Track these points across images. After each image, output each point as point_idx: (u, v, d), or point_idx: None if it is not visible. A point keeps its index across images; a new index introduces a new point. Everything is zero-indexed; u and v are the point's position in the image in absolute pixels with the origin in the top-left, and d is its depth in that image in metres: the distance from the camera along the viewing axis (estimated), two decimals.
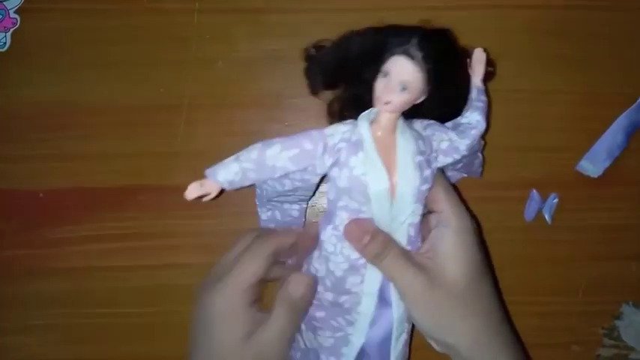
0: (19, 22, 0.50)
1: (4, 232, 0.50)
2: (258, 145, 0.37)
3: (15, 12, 0.50)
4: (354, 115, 0.37)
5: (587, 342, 0.51)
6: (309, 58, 0.40)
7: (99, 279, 0.50)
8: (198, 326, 0.39)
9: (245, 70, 0.49)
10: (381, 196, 0.36)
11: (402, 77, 0.35)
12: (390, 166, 0.36)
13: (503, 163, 0.50)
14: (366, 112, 0.37)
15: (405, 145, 0.36)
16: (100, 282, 0.50)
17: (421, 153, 0.37)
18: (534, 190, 0.50)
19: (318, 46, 0.40)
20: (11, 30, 0.50)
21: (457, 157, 0.39)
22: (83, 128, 0.49)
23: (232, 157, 0.37)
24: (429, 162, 0.37)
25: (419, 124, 0.39)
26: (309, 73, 0.40)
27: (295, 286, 0.39)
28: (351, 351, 0.40)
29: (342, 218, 0.37)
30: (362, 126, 0.36)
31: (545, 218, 0.50)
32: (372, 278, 0.39)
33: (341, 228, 0.37)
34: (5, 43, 0.49)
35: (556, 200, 0.50)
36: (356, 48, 0.37)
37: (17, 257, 0.50)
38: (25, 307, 0.50)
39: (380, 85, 0.35)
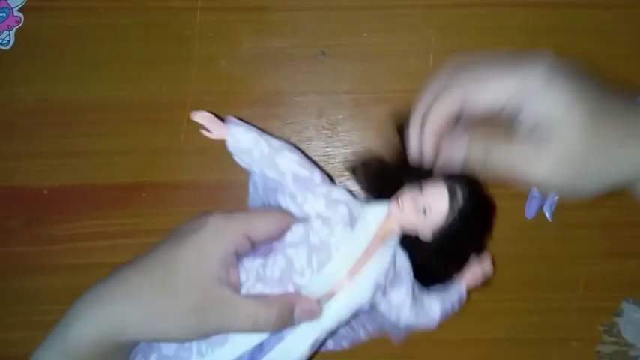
0: (22, 21, 0.50)
1: (9, 229, 0.50)
2: (283, 143, 0.37)
3: (19, 10, 0.50)
4: (366, 192, 0.38)
5: (586, 338, 0.51)
6: (362, 163, 0.39)
7: (102, 275, 0.50)
8: (181, 229, 0.37)
9: (247, 68, 0.50)
10: (326, 280, 0.35)
11: (429, 201, 0.35)
12: (355, 268, 0.36)
13: None
14: (381, 205, 0.37)
15: (379, 262, 0.36)
16: None
17: (386, 277, 0.36)
18: (535, 188, 0.50)
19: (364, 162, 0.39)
20: (15, 28, 0.50)
21: (390, 319, 0.39)
22: (87, 126, 0.50)
23: (258, 131, 0.37)
24: (383, 292, 0.37)
25: (401, 260, 0.38)
26: (355, 174, 0.39)
27: (300, 311, 0.36)
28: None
29: (282, 256, 0.36)
30: (369, 214, 0.36)
31: (545, 216, 0.50)
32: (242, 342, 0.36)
33: (268, 272, 0.36)
34: (9, 41, 0.50)
35: (557, 198, 0.50)
36: (407, 164, 0.37)
37: (22, 253, 0.50)
38: (30, 303, 0.50)
39: (408, 191, 0.36)
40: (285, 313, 0.35)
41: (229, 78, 0.49)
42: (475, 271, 0.42)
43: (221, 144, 0.47)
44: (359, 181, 0.39)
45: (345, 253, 0.35)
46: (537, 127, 0.33)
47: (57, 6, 0.50)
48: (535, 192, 0.50)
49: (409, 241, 0.37)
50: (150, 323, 0.34)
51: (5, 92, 0.50)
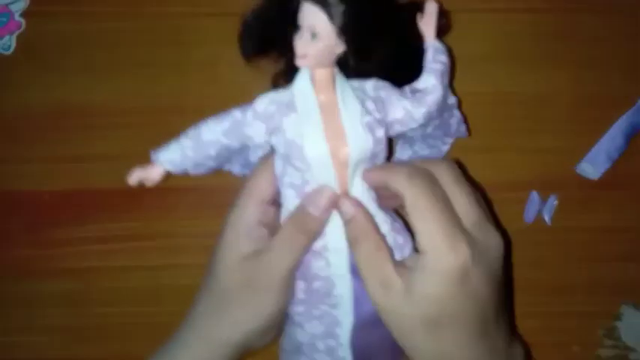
0: (24, 26, 0.50)
1: (8, 233, 0.50)
2: (196, 125, 0.36)
3: (20, 15, 0.50)
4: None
5: (586, 342, 0.51)
6: (243, 21, 0.37)
7: (103, 279, 0.50)
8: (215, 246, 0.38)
9: (248, 73, 0.50)
10: (322, 162, 0.33)
11: (308, 23, 0.32)
12: (334, 130, 0.33)
13: (503, 165, 0.50)
14: (300, 73, 0.34)
15: (348, 106, 0.33)
16: (104, 282, 0.50)
17: (369, 113, 0.34)
18: (534, 192, 0.50)
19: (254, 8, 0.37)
20: (16, 33, 0.50)
21: (414, 125, 0.36)
22: (88, 130, 0.50)
23: (175, 139, 0.36)
24: (380, 122, 0.34)
25: (370, 84, 0.35)
26: (240, 36, 0.37)
27: (314, 206, 0.34)
28: (344, 331, 0.37)
29: (289, 196, 0.35)
30: (295, 85, 0.34)
31: (544, 219, 0.50)
32: (337, 260, 0.36)
33: (290, 208, 0.35)
34: (10, 46, 0.50)
35: (556, 202, 0.50)
36: (273, 6, 0.35)
37: (22, 257, 0.50)
38: (29, 307, 0.50)
39: (296, 40, 0.33)
40: (302, 212, 0.34)
41: (229, 83, 0.50)
42: (425, 22, 0.37)
43: None
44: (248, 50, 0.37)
45: (309, 132, 0.33)
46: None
47: (58, 11, 0.50)
48: (534, 196, 0.50)
49: (346, 67, 0.34)
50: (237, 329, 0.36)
51: (6, 97, 0.50)
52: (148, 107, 0.50)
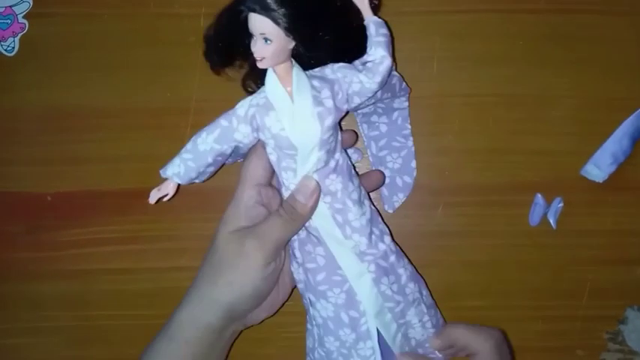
0: (27, 27, 0.50)
1: (11, 235, 0.50)
2: (192, 138, 0.40)
3: (23, 17, 0.50)
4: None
5: (591, 346, 0.51)
6: (205, 38, 0.42)
7: (105, 281, 0.50)
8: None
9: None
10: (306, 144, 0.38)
11: (258, 31, 0.36)
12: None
13: (507, 167, 0.50)
14: (267, 74, 0.38)
15: (301, 96, 0.37)
16: (106, 284, 0.50)
17: (320, 103, 0.38)
18: (539, 195, 0.50)
19: (211, 26, 0.41)
20: (20, 35, 0.50)
21: (370, 94, 0.40)
22: (91, 132, 0.50)
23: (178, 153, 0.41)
24: (330, 110, 0.38)
25: (329, 69, 0.40)
26: (205, 53, 0.42)
27: (301, 195, 0.39)
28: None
29: (288, 178, 0.40)
30: (267, 87, 0.38)
31: (550, 223, 0.50)
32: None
33: (291, 187, 0.40)
34: (14, 47, 0.50)
35: (561, 205, 0.50)
36: (227, 21, 0.40)
37: (25, 259, 0.50)
38: (32, 309, 0.51)
39: (252, 46, 0.36)
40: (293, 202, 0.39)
41: (232, 84, 0.49)
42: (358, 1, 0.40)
43: None
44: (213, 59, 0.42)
45: (288, 123, 0.38)
46: None
47: (61, 12, 0.50)
48: (539, 199, 0.50)
49: (305, 61, 0.39)
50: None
51: (9, 98, 0.50)
52: (150, 109, 0.50)
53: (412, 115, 0.48)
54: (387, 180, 0.49)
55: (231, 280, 0.40)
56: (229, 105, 0.50)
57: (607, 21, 0.50)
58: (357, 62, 0.40)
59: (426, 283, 0.45)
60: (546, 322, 0.51)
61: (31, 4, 0.50)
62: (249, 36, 0.36)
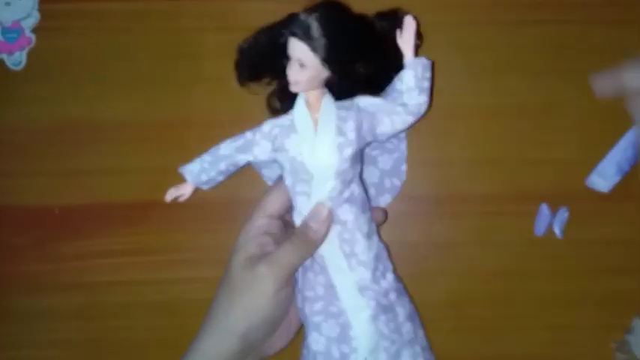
0: (34, 41, 0.51)
1: (19, 247, 0.51)
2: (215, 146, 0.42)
3: (31, 31, 0.51)
4: (291, 106, 0.40)
5: (598, 356, 0.51)
6: (239, 49, 0.43)
7: (112, 293, 0.51)
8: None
9: (257, 87, 0.50)
10: (322, 172, 0.39)
11: (296, 55, 0.37)
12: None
13: (513, 177, 0.50)
14: (298, 98, 0.39)
15: (324, 126, 0.38)
16: (114, 296, 0.51)
17: (342, 134, 0.38)
18: (544, 205, 0.50)
19: (248, 39, 0.42)
20: (27, 49, 0.51)
21: (396, 133, 0.41)
22: (98, 144, 0.50)
23: (198, 155, 0.42)
24: (352, 142, 0.39)
25: (361, 101, 0.40)
26: (237, 64, 0.43)
27: (314, 221, 0.40)
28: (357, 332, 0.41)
29: (301, 202, 0.40)
30: (295, 109, 0.39)
31: (555, 232, 0.50)
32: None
33: (304, 212, 0.40)
34: (21, 61, 0.50)
35: (567, 214, 0.50)
36: (267, 39, 0.41)
37: (32, 272, 0.51)
38: (40, 322, 0.51)
39: (288, 69, 0.37)
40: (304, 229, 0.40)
41: (238, 97, 0.50)
42: (404, 38, 0.40)
43: None
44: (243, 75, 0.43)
45: (307, 149, 0.38)
46: None
47: (68, 26, 0.51)
48: (545, 209, 0.50)
49: (336, 90, 0.39)
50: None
51: (17, 112, 0.51)
52: (157, 121, 0.50)
53: (417, 125, 0.48)
54: (376, 180, 0.48)
55: (245, 307, 0.40)
56: (235, 118, 0.50)
57: (613, 31, 0.50)
58: (390, 97, 0.41)
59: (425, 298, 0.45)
60: (553, 331, 0.50)
61: (39, 18, 0.51)
62: (285, 57, 0.37)
